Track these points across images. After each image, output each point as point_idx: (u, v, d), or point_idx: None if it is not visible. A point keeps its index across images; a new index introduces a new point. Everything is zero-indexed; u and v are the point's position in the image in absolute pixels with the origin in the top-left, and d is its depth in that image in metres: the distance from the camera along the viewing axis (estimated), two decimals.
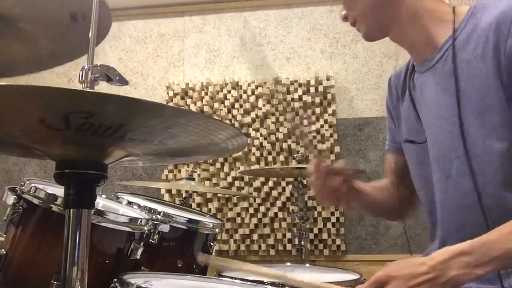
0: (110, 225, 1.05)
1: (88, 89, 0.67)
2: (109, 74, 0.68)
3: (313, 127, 2.66)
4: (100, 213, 1.02)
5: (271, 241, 2.65)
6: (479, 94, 0.85)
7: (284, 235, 2.65)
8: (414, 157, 1.06)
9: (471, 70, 0.86)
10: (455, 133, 0.89)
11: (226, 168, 2.73)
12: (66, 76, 2.97)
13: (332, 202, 1.11)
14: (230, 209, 2.70)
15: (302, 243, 2.05)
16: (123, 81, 0.69)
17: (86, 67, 0.68)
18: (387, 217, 1.30)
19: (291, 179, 2.60)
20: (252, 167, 2.68)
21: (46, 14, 1.05)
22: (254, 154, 2.72)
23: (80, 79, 0.68)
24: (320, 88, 2.72)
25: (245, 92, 2.79)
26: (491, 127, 0.84)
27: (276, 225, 2.65)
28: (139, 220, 1.12)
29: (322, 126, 2.71)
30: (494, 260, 0.73)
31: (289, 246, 2.64)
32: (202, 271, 1.40)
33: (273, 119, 2.74)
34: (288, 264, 1.74)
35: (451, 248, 0.76)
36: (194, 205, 2.66)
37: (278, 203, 2.66)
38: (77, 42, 1.05)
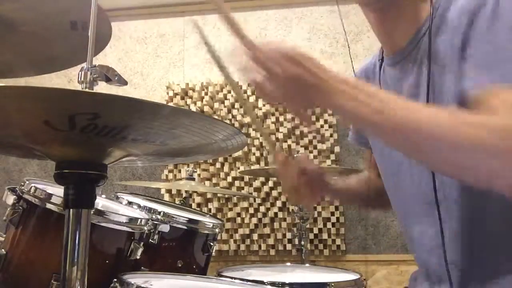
0: (110, 225, 1.05)
1: (93, 90, 0.67)
2: (108, 75, 0.68)
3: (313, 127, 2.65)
4: (100, 213, 1.03)
5: (271, 241, 2.65)
6: (449, 85, 0.82)
7: (284, 235, 2.65)
8: (381, 153, 1.05)
9: (442, 60, 0.83)
10: None
11: (226, 168, 2.73)
12: (66, 76, 2.97)
13: (309, 199, 1.03)
14: (230, 209, 2.70)
15: (302, 243, 2.05)
16: (122, 81, 0.70)
17: (85, 68, 0.68)
18: (377, 208, 1.27)
19: None
20: (252, 167, 2.68)
21: (46, 20, 1.06)
22: (254, 154, 2.72)
23: (79, 79, 0.68)
24: None
25: (245, 92, 2.79)
26: None
27: (276, 225, 2.65)
28: (139, 220, 1.12)
29: (322, 126, 2.71)
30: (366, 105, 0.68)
31: (289, 246, 2.64)
32: (202, 271, 1.40)
33: (273, 119, 2.74)
34: (288, 264, 1.74)
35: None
36: (194, 205, 2.66)
37: (278, 203, 2.66)
38: (76, 49, 1.06)
